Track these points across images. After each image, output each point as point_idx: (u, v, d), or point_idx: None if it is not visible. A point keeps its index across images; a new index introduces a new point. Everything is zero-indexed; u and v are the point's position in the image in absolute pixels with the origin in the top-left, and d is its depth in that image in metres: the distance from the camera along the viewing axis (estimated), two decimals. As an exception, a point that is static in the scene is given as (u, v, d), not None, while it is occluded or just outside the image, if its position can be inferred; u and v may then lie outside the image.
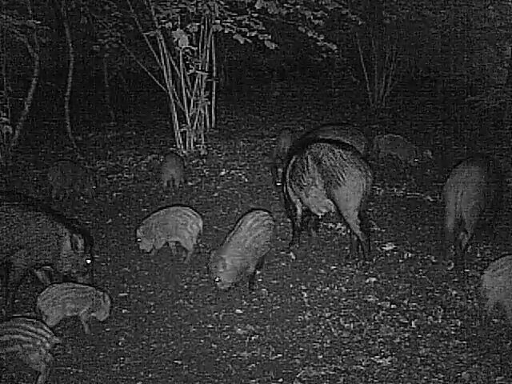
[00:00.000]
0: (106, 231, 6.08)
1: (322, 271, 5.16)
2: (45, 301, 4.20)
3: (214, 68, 9.35)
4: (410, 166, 7.94)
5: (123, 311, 4.58)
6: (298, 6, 7.14)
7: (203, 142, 8.61)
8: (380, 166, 8.08)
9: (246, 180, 7.55)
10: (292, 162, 5.44)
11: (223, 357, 3.97)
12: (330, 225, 6.08)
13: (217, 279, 4.62)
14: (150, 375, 3.79)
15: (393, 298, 4.63)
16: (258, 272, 5.09)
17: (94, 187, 7.08)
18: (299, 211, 5.57)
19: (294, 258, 5.41)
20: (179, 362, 3.92)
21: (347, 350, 3.98)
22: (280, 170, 6.22)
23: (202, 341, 4.17)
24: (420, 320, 4.30)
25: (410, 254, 5.38)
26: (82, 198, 7.01)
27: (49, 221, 4.60)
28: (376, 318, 4.35)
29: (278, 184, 6.32)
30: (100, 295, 4.36)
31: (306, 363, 3.85)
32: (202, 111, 8.79)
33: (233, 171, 7.82)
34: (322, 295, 4.74)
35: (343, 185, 5.01)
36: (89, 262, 4.71)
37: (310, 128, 9.36)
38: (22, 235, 4.51)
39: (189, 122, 8.41)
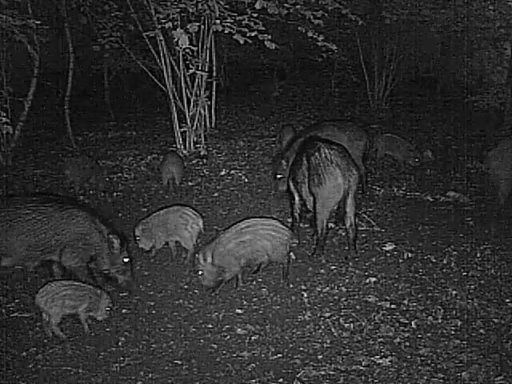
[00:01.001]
0: (105, 231, 6.07)
1: (322, 271, 5.16)
2: (43, 298, 4.22)
3: (214, 68, 9.35)
4: (408, 166, 7.94)
5: (123, 311, 4.58)
6: (298, 6, 7.12)
7: (203, 142, 8.61)
8: (380, 166, 8.08)
9: (246, 180, 7.55)
10: (294, 157, 5.76)
11: (223, 357, 3.97)
12: (331, 224, 6.08)
13: (199, 273, 4.70)
14: (149, 375, 3.79)
15: (393, 298, 4.63)
16: (258, 272, 5.11)
17: (107, 179, 7.33)
18: (297, 204, 5.76)
19: (293, 257, 5.41)
20: (179, 362, 3.92)
21: (347, 350, 3.98)
22: (284, 162, 6.44)
23: (201, 341, 4.17)
24: (420, 320, 4.30)
25: (409, 254, 5.38)
26: (82, 197, 7.01)
27: (88, 218, 4.72)
28: (376, 318, 4.35)
29: (279, 176, 6.54)
30: (98, 294, 4.37)
31: (305, 363, 3.85)
32: (202, 111, 8.78)
33: (233, 171, 7.82)
34: (322, 295, 4.74)
35: (324, 184, 5.16)
36: (126, 260, 4.82)
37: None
38: (62, 234, 4.62)
39: (189, 122, 8.41)
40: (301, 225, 5.98)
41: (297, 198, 5.75)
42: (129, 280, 4.86)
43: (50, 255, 4.67)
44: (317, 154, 5.25)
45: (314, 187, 5.26)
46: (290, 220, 6.00)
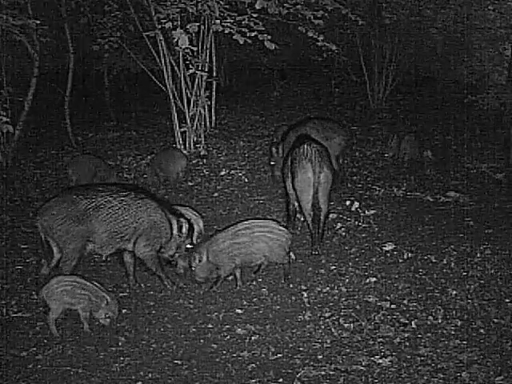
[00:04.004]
0: (106, 231, 6.06)
1: (322, 271, 5.16)
2: (45, 291, 4.27)
3: (214, 68, 9.35)
4: (409, 166, 7.96)
5: (123, 311, 4.58)
6: (298, 6, 7.12)
7: (203, 142, 8.61)
8: (380, 166, 8.07)
9: (246, 180, 7.55)
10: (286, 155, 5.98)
11: (223, 357, 3.97)
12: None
13: (192, 269, 4.79)
14: (149, 375, 3.79)
15: (393, 298, 4.63)
16: (258, 272, 5.11)
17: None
18: (292, 201, 5.89)
19: (293, 258, 5.41)
20: (179, 362, 3.92)
21: (347, 350, 3.98)
22: (274, 149, 6.86)
23: (201, 341, 4.17)
24: (420, 320, 4.30)
25: (409, 254, 5.37)
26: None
27: (159, 207, 4.90)
28: (376, 318, 4.35)
29: (272, 163, 6.96)
30: (101, 296, 4.32)
31: (305, 363, 3.85)
32: (202, 111, 8.78)
33: (233, 171, 7.82)
34: (322, 295, 4.74)
35: (297, 177, 5.41)
36: (189, 246, 4.98)
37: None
38: (139, 223, 4.79)
39: (189, 122, 8.41)
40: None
41: (291, 196, 5.89)
42: (186, 266, 5.00)
43: (126, 243, 4.83)
44: (297, 149, 5.49)
45: (293, 181, 5.49)
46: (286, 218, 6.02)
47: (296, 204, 5.78)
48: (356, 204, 6.39)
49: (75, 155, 7.69)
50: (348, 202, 6.48)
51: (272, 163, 6.97)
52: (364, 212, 6.30)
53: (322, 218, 5.43)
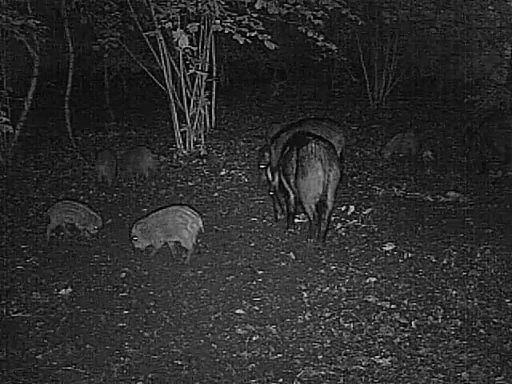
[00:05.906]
0: (106, 231, 6.08)
1: (322, 271, 5.16)
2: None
3: (214, 68, 9.35)
4: (409, 165, 7.96)
5: (123, 311, 4.58)
6: (298, 6, 7.13)
7: (203, 142, 8.61)
8: (380, 166, 8.08)
9: (246, 180, 7.55)
10: (283, 152, 5.89)
11: (223, 357, 3.96)
12: (352, 208, 6.24)
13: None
14: (149, 375, 3.79)
15: (393, 298, 4.62)
16: (260, 271, 5.12)
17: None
18: (292, 198, 5.93)
19: (293, 258, 5.41)
20: (179, 362, 3.91)
21: (347, 350, 3.98)
22: (267, 154, 6.79)
23: (201, 341, 4.17)
24: (420, 320, 4.30)
25: (409, 254, 5.37)
26: (82, 197, 7.02)
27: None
28: (376, 318, 4.34)
29: (262, 167, 6.95)
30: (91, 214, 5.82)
31: (305, 363, 3.85)
32: (202, 111, 8.79)
33: (233, 171, 7.82)
34: (321, 295, 4.74)
35: (306, 175, 5.40)
36: None
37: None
38: None
39: (189, 122, 8.41)
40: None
41: (291, 195, 5.90)
42: None
43: None
44: (304, 147, 5.47)
45: (298, 179, 5.48)
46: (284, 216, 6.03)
47: (297, 202, 5.79)
48: (352, 208, 6.37)
49: (102, 151, 7.82)
50: (343, 208, 6.44)
51: (262, 166, 6.97)
52: (364, 212, 6.31)
53: (327, 215, 5.47)
